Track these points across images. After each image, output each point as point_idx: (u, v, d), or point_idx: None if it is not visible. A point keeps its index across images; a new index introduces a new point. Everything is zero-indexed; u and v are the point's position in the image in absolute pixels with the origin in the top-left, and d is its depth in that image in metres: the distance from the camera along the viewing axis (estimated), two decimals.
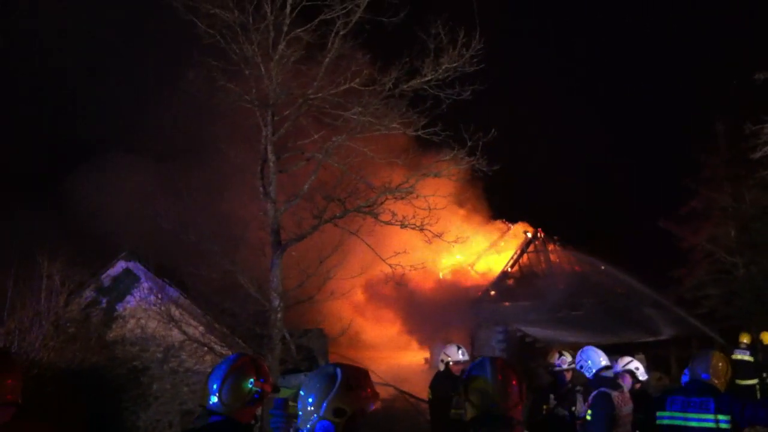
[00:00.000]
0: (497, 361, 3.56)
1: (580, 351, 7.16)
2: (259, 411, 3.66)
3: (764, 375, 16.35)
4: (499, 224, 32.86)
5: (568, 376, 8.26)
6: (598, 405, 6.33)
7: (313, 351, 17.17)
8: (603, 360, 6.80)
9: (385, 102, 12.97)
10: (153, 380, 15.71)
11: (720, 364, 5.65)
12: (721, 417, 5.34)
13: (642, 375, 7.22)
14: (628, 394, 6.58)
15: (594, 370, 6.75)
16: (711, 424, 5.35)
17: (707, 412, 5.39)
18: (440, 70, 12.43)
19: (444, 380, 8.36)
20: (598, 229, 34.31)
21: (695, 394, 5.53)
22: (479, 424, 3.35)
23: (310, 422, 3.04)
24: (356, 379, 3.15)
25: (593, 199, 35.61)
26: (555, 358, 8.36)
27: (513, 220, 32.94)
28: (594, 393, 6.44)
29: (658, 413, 5.66)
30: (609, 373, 6.76)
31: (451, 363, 8.33)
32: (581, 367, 6.93)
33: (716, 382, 5.55)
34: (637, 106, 55.54)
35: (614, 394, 6.38)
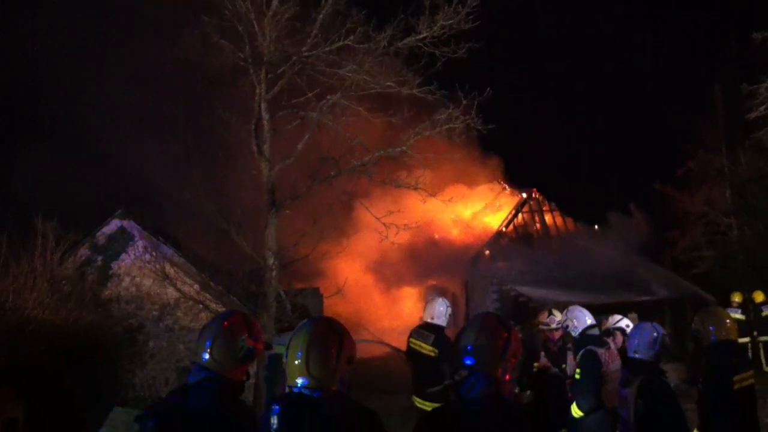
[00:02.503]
0: (488, 317, 3.55)
1: (566, 311, 7.23)
2: (254, 369, 3.69)
3: (755, 334, 16.56)
4: (494, 184, 32.78)
5: (558, 335, 8.35)
6: (585, 363, 6.41)
7: (308, 309, 17.27)
8: (589, 319, 6.87)
9: (380, 60, 12.87)
10: (149, 338, 15.81)
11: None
12: None
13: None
14: (615, 352, 6.65)
15: (580, 329, 6.81)
16: None
17: None
18: (435, 28, 12.28)
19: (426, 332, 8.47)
20: (594, 190, 34.28)
21: None
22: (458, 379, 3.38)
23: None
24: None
25: (589, 160, 35.57)
26: (545, 318, 8.45)
27: (508, 180, 32.92)
28: (581, 352, 6.52)
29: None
30: (595, 332, 6.83)
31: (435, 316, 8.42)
32: (567, 326, 7.00)
33: None
34: (634, 69, 55.21)
35: (600, 351, 6.46)
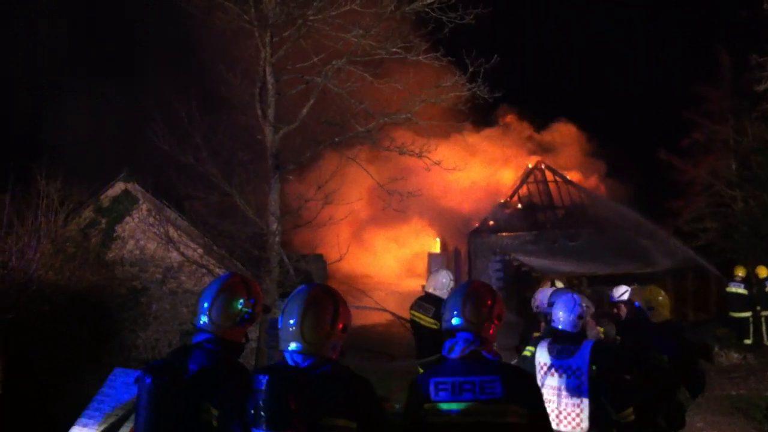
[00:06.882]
0: (474, 282, 3.70)
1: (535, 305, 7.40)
2: (255, 332, 3.69)
3: (758, 308, 16.57)
4: (500, 152, 32.65)
5: None
6: None
7: (312, 275, 17.31)
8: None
9: (386, 25, 12.74)
10: (152, 300, 15.90)
11: None
12: None
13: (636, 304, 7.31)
14: (590, 320, 6.67)
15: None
16: None
17: None
18: None
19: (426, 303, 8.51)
20: (599, 158, 34.08)
21: None
22: (446, 337, 3.47)
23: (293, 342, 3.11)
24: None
25: (594, 128, 35.26)
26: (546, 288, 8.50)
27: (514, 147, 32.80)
28: None
29: None
30: None
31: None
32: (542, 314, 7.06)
33: None
34: (641, 37, 54.57)
35: None
